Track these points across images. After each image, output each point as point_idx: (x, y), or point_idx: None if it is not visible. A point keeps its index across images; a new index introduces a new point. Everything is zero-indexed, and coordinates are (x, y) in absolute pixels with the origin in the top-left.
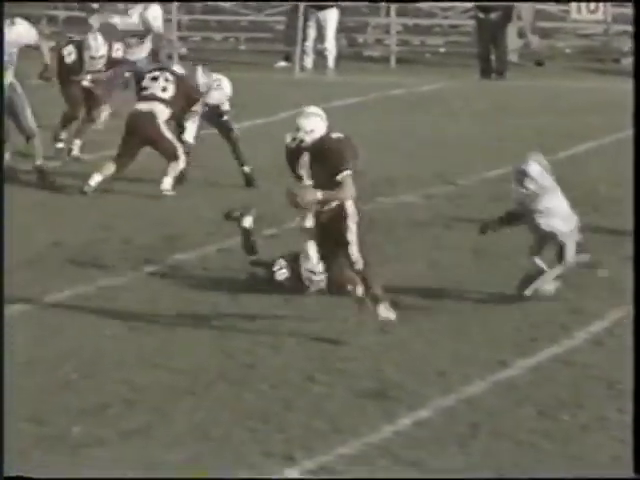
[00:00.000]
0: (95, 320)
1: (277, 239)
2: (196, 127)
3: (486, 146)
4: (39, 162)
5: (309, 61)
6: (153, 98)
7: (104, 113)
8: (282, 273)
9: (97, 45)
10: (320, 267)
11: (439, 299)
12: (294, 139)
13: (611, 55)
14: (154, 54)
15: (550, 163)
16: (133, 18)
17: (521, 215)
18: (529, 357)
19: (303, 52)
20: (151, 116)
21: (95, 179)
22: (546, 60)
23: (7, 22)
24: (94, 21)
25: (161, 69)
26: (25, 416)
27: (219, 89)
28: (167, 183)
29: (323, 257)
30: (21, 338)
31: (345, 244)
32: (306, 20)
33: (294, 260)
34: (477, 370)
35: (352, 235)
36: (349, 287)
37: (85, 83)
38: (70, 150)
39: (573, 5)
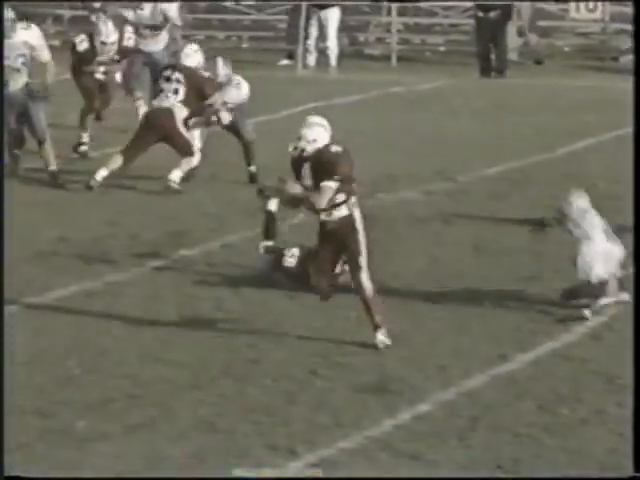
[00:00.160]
0: (100, 315)
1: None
2: (200, 132)
3: (486, 143)
4: (52, 167)
5: (311, 59)
6: (167, 99)
7: (141, 108)
8: (291, 261)
9: (107, 30)
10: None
11: (439, 294)
12: (296, 148)
13: (609, 53)
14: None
15: (549, 160)
16: (145, 11)
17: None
18: (528, 351)
19: (305, 50)
20: (169, 113)
21: (101, 174)
22: (545, 58)
23: (23, 24)
24: (106, 11)
25: (173, 67)
26: (30, 410)
27: (238, 88)
28: (176, 175)
29: (321, 261)
30: (27, 333)
31: (356, 267)
32: (308, 19)
33: (306, 254)
34: (477, 364)
35: (364, 259)
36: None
37: (98, 75)
38: (77, 149)
39: (572, 4)
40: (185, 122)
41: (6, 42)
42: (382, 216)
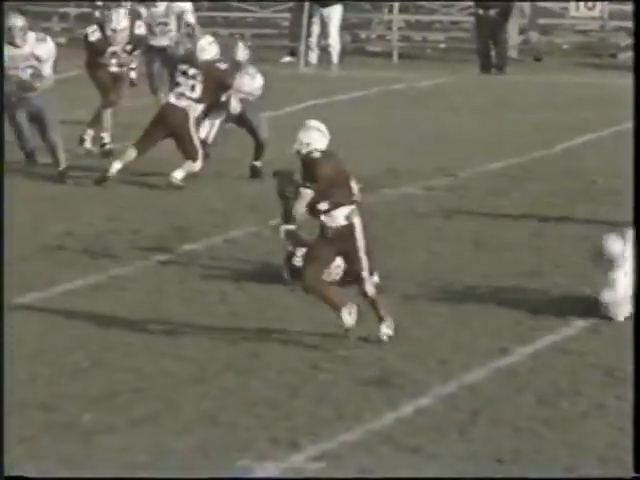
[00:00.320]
0: (105, 309)
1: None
2: (215, 127)
3: (486, 139)
4: (62, 167)
5: (313, 56)
6: (184, 97)
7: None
8: (299, 260)
9: (118, 18)
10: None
11: (440, 289)
12: (298, 152)
13: (608, 50)
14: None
15: (549, 156)
16: (160, 8)
17: None
18: (528, 345)
19: (307, 48)
20: (184, 114)
21: (115, 166)
22: (544, 56)
23: (40, 35)
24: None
25: (189, 62)
26: (35, 404)
27: (252, 78)
28: (178, 174)
29: (317, 261)
30: (33, 326)
31: (359, 279)
32: (310, 17)
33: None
34: (477, 358)
35: (365, 269)
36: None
37: (113, 69)
38: (83, 140)
39: (572, 3)
40: (205, 114)
41: (16, 51)
42: (383, 211)
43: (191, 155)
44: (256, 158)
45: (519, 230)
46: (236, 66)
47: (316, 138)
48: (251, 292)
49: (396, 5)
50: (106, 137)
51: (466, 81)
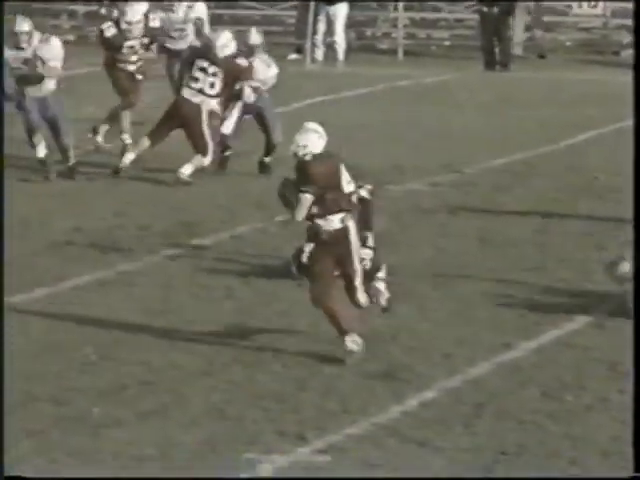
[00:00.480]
0: (113, 304)
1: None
2: (235, 119)
3: (490, 136)
4: (72, 163)
5: (320, 53)
6: (202, 93)
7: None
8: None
9: (132, 11)
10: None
11: (445, 284)
12: (296, 154)
13: (610, 48)
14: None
15: (552, 152)
16: (179, 14)
17: None
18: (532, 340)
19: (314, 45)
20: (197, 109)
21: (129, 157)
22: (548, 53)
23: (44, 36)
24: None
25: (209, 59)
26: (45, 397)
27: (267, 66)
28: (187, 169)
29: (322, 277)
30: (42, 321)
31: (351, 287)
32: (316, 14)
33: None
34: (482, 352)
35: (358, 277)
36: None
37: (130, 67)
38: (96, 132)
39: (574, 3)
40: (224, 107)
41: (20, 53)
42: (389, 207)
43: (201, 149)
44: (266, 155)
45: (523, 226)
46: (250, 51)
47: (313, 140)
48: (258, 287)
49: (401, 3)
50: (126, 138)
51: (471, 78)
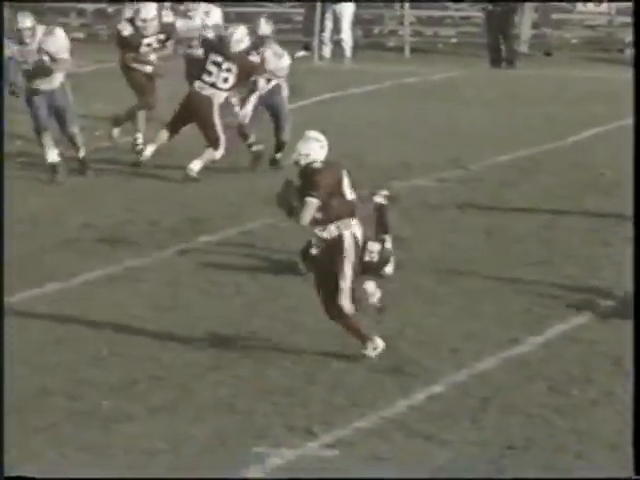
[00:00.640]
0: (123, 299)
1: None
2: (252, 106)
3: (497, 133)
4: (82, 154)
5: (327, 51)
6: (215, 87)
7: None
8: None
9: (146, 8)
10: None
11: (452, 279)
12: (297, 162)
13: (615, 45)
14: None
15: (558, 149)
16: (196, 21)
17: None
18: (539, 334)
19: (321, 42)
20: (208, 101)
21: (150, 149)
22: (554, 50)
23: (48, 29)
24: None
25: (223, 54)
26: (58, 392)
27: (278, 57)
28: (196, 165)
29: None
30: (53, 316)
31: (336, 288)
32: (324, 12)
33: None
34: (489, 347)
35: (345, 282)
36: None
37: (147, 68)
38: (118, 123)
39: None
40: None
41: (25, 47)
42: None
43: (213, 142)
44: (277, 151)
45: (530, 222)
46: (260, 42)
47: (315, 149)
48: (265, 282)
49: (407, 1)
50: (139, 138)
51: (477, 75)
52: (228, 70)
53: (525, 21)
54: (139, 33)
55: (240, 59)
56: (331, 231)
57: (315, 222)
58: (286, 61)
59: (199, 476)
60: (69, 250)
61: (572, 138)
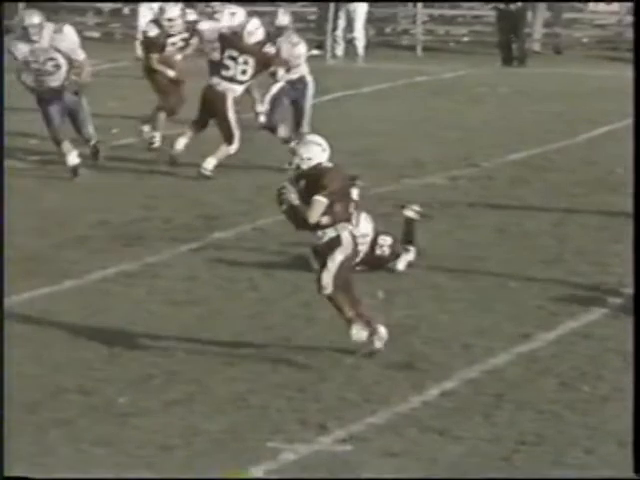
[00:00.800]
0: (138, 295)
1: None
2: (271, 96)
3: (508, 130)
4: (94, 141)
5: (340, 49)
6: (232, 80)
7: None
8: None
9: (170, 8)
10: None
11: (464, 276)
12: (291, 164)
13: (625, 45)
14: None
15: (569, 146)
16: (223, 22)
17: None
18: (551, 331)
19: (334, 41)
20: (222, 96)
21: (181, 143)
22: (565, 49)
23: (57, 27)
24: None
25: (239, 49)
26: (73, 387)
27: (293, 45)
28: (210, 163)
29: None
30: (70, 312)
31: (323, 264)
32: (337, 11)
33: None
34: (501, 343)
35: (332, 263)
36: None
37: (171, 73)
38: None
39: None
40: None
41: (35, 46)
42: (408, 200)
43: (227, 137)
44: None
45: (541, 219)
46: (278, 32)
47: (317, 153)
48: (279, 279)
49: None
50: (157, 137)
51: (489, 73)
52: (245, 63)
53: (538, 20)
54: (165, 32)
55: (256, 51)
56: (329, 234)
57: (317, 225)
58: (300, 49)
59: (213, 470)
60: (85, 247)
61: (583, 136)
